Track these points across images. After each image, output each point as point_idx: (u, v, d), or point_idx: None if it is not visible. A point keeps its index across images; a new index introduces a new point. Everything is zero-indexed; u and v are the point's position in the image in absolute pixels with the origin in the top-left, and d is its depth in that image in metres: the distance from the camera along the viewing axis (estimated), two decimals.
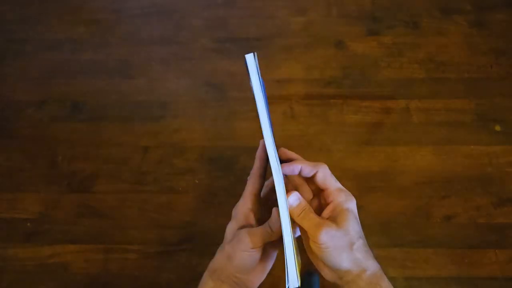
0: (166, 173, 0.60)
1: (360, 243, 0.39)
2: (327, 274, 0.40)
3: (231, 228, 0.40)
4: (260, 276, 0.41)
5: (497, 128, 0.61)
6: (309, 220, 0.37)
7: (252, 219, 0.41)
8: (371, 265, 0.39)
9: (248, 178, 0.42)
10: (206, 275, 0.41)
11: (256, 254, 0.39)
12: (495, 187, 0.57)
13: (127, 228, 0.57)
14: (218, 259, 0.40)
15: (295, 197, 0.38)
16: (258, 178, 0.42)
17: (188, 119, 0.63)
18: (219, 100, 0.63)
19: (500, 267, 0.53)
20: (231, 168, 0.59)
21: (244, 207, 0.40)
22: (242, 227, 0.40)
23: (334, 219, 0.37)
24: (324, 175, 0.38)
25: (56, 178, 0.61)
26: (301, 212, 0.37)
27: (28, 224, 0.59)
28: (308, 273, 0.47)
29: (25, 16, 0.73)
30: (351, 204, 0.38)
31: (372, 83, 0.64)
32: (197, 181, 0.59)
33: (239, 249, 0.38)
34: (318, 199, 0.39)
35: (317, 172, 0.37)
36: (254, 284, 0.41)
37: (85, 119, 0.64)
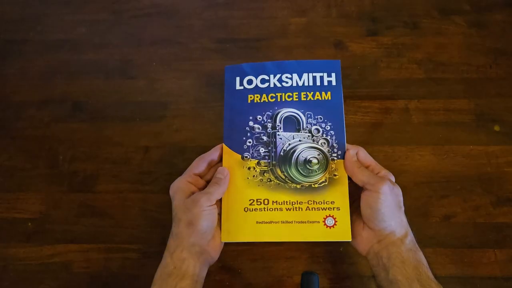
0: (166, 173, 0.60)
1: (403, 209, 0.42)
2: (362, 241, 0.42)
3: (180, 200, 0.41)
4: (220, 242, 0.42)
5: (496, 128, 0.61)
6: (370, 173, 0.40)
7: (194, 188, 0.42)
8: (411, 232, 0.42)
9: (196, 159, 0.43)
10: (166, 255, 0.41)
11: (214, 211, 0.40)
12: (494, 187, 0.58)
13: (127, 227, 0.58)
14: (177, 234, 0.40)
15: (356, 150, 0.42)
16: (204, 163, 0.44)
17: (188, 119, 0.63)
18: (219, 100, 0.63)
19: (500, 267, 0.53)
20: None
21: (182, 181, 0.42)
22: (189, 195, 0.41)
23: None
24: (365, 154, 0.43)
25: (57, 178, 0.61)
26: (360, 166, 0.40)
27: (29, 223, 0.59)
28: (308, 273, 0.48)
29: (25, 16, 0.73)
30: (393, 178, 0.42)
31: (372, 83, 0.64)
32: None
33: (198, 210, 0.39)
34: None
35: (358, 150, 0.43)
36: (216, 251, 0.42)
37: (86, 119, 0.65)
